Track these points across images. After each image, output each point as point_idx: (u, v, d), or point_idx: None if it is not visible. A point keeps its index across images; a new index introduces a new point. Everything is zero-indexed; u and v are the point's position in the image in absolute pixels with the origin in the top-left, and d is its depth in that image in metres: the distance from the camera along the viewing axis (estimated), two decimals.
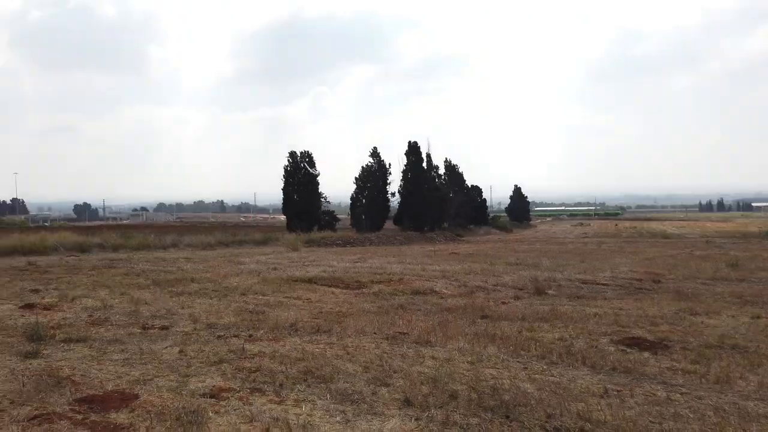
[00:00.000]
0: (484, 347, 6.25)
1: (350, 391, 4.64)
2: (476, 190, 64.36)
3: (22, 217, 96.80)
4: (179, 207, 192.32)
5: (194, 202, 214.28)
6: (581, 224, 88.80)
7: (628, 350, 6.22)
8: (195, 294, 10.05)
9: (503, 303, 9.63)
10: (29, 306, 8.60)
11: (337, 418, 4.08)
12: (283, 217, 54.89)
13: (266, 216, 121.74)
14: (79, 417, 4.02)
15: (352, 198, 48.83)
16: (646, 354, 6.08)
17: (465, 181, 60.37)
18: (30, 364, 5.39)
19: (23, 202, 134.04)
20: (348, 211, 50.70)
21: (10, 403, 4.29)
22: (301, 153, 45.94)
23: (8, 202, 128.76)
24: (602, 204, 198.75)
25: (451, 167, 57.98)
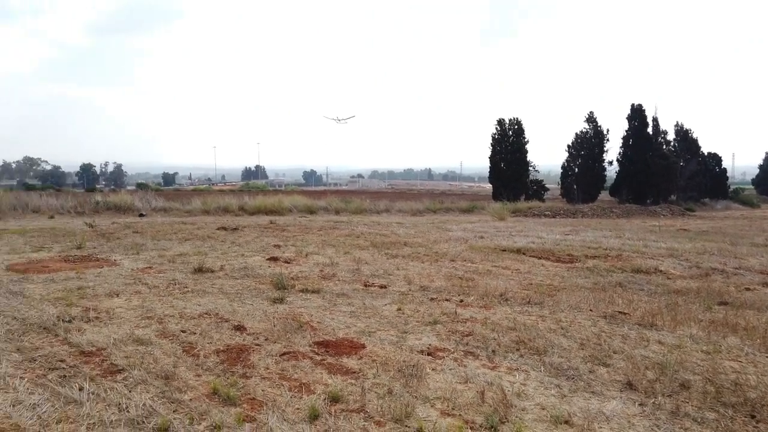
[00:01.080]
0: (723, 337, 5.51)
1: (565, 366, 4.51)
2: (714, 159, 55.60)
3: (263, 181, 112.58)
4: (390, 174, 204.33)
5: (404, 170, 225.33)
6: None
7: None
8: (408, 257, 10.65)
9: (747, 289, 8.34)
10: (273, 259, 10.02)
11: (552, 392, 4.01)
12: (488, 186, 54.70)
13: (472, 184, 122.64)
14: (318, 358, 4.60)
15: (563, 167, 46.39)
16: None
17: (700, 147, 52.65)
18: (277, 308, 6.31)
19: (264, 168, 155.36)
20: (558, 180, 48.31)
21: (265, 339, 5.09)
22: (510, 120, 44.95)
23: (252, 168, 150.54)
24: None
25: (683, 132, 51.07)
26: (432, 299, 6.96)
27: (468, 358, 4.71)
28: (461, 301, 6.89)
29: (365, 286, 7.77)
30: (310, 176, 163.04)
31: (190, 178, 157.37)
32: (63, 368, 4.22)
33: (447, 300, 6.93)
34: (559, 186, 47.30)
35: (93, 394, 3.71)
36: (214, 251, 10.87)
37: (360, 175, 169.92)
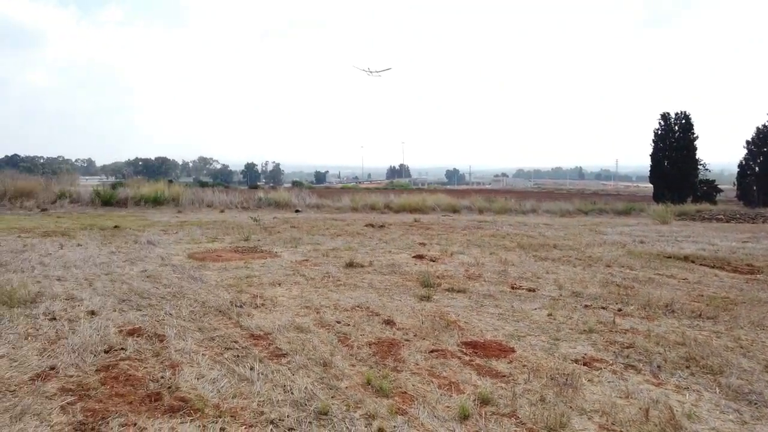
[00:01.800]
0: None
1: (746, 390, 4.00)
2: None
3: (407, 180, 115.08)
4: (537, 173, 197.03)
5: (552, 169, 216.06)
6: None
7: None
8: (558, 260, 10.19)
9: None
10: (419, 257, 10.18)
11: (730, 416, 3.58)
12: (647, 186, 50.41)
13: (628, 184, 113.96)
14: (466, 358, 4.58)
15: (740, 165, 41.26)
16: None
17: None
18: (425, 305, 6.40)
19: (408, 167, 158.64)
20: (733, 180, 43.00)
21: (414, 335, 5.19)
22: (676, 114, 40.97)
23: (396, 167, 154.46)
24: None
25: None
26: (586, 306, 6.58)
27: (629, 371, 4.37)
28: (619, 309, 6.42)
29: (512, 288, 7.57)
30: (453, 175, 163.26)
31: (339, 176, 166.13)
32: (236, 348, 4.67)
33: (603, 308, 6.51)
34: (735, 187, 42.15)
35: (262, 374, 4.06)
36: (362, 247, 11.34)
37: (504, 174, 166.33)
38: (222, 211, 21.23)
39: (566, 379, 4.07)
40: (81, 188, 23.81)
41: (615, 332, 5.43)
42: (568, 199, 34.76)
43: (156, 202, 21.84)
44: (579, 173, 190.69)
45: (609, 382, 4.13)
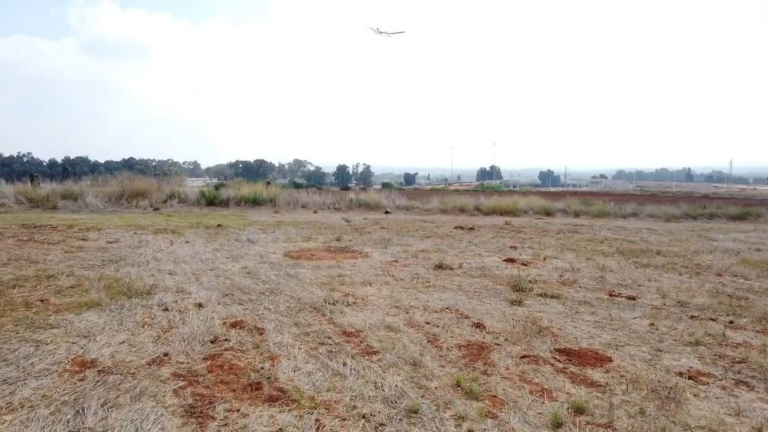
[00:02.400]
0: None
1: None
2: None
3: (498, 182, 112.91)
4: (639, 175, 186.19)
5: (656, 170, 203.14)
6: None
7: None
8: (662, 267, 9.59)
9: None
10: (510, 260, 9.99)
11: None
12: (766, 189, 46.00)
13: (744, 187, 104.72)
14: (560, 365, 4.45)
15: None
16: None
17: None
18: (516, 310, 6.29)
19: (499, 168, 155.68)
20: None
21: (505, 340, 5.12)
22: None
23: (487, 168, 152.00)
24: None
25: None
26: (693, 317, 6.16)
27: (740, 387, 4.06)
28: (731, 322, 5.96)
29: (610, 295, 7.24)
30: (547, 177, 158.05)
31: (428, 178, 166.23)
32: (330, 344, 4.85)
33: (712, 319, 6.06)
34: None
35: (354, 370, 4.19)
36: (452, 249, 11.30)
37: (602, 176, 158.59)
38: (315, 212, 21.97)
39: (669, 393, 3.85)
40: (188, 189, 25.60)
41: (725, 345, 5.05)
42: (674, 202, 32.51)
43: (255, 202, 23.01)
44: (687, 175, 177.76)
45: (717, 398, 3.86)
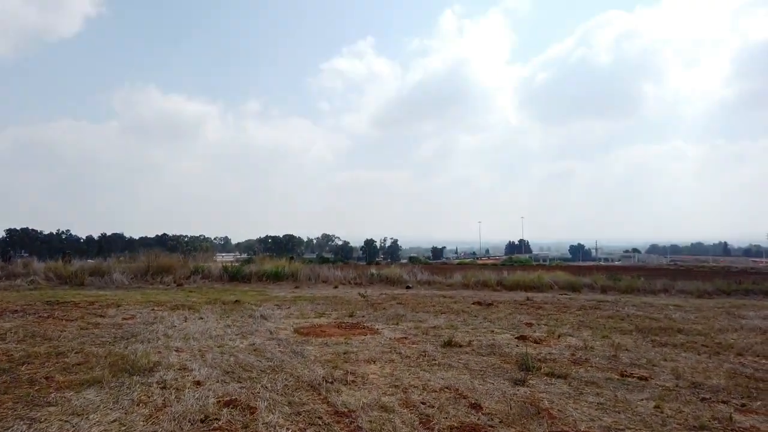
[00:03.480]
0: None
1: None
2: None
3: (527, 255, 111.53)
4: (673, 248, 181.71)
5: (691, 244, 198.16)
6: None
7: None
8: (681, 346, 9.25)
9: None
10: (523, 337, 9.78)
11: None
12: None
13: None
14: None
15: None
16: None
17: None
18: (518, 390, 6.12)
19: (528, 242, 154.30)
20: None
21: (500, 421, 4.98)
22: None
23: (516, 242, 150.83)
24: None
25: None
26: (703, 399, 5.89)
27: None
28: (743, 405, 5.67)
29: (621, 375, 6.99)
30: (578, 251, 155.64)
31: (456, 251, 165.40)
32: (319, 424, 4.80)
33: (724, 402, 5.79)
34: None
35: None
36: (465, 325, 11.13)
37: (636, 250, 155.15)
38: (336, 287, 22.01)
39: None
40: (213, 264, 26.06)
41: (731, 430, 4.80)
42: (709, 277, 31.44)
43: (277, 277, 23.23)
44: (723, 249, 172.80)
45: None
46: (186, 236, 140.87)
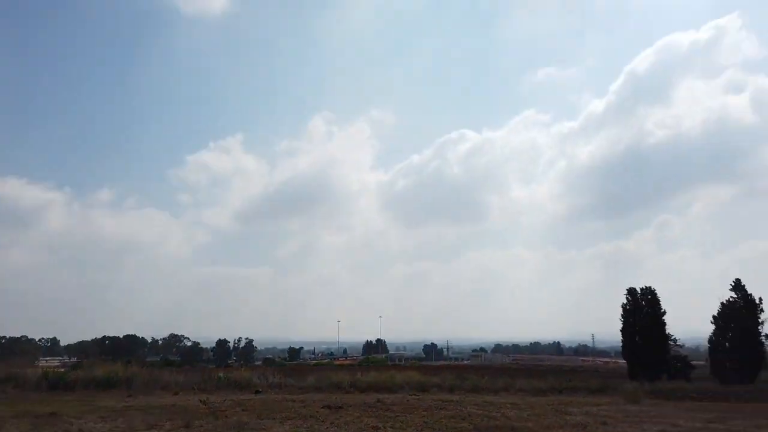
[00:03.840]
0: None
1: None
2: None
3: (383, 355, 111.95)
4: (515, 348, 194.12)
5: (530, 343, 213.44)
6: None
7: None
8: None
9: None
10: None
11: None
12: (625, 362, 49.70)
13: (607, 360, 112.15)
14: None
15: (710, 341, 41.13)
16: None
17: None
18: None
19: (385, 342, 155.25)
20: (707, 356, 42.69)
21: None
22: (642, 289, 41.86)
23: (373, 342, 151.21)
24: None
25: None
26: None
27: None
28: None
29: None
30: (431, 350, 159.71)
31: (313, 352, 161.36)
32: None
33: None
34: (708, 363, 41.75)
35: None
36: None
37: (482, 349, 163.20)
38: (176, 393, 20.18)
39: None
40: (32, 370, 22.75)
41: None
42: (544, 376, 33.92)
43: (109, 384, 20.80)
44: (557, 348, 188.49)
45: None
46: (4, 338, 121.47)
